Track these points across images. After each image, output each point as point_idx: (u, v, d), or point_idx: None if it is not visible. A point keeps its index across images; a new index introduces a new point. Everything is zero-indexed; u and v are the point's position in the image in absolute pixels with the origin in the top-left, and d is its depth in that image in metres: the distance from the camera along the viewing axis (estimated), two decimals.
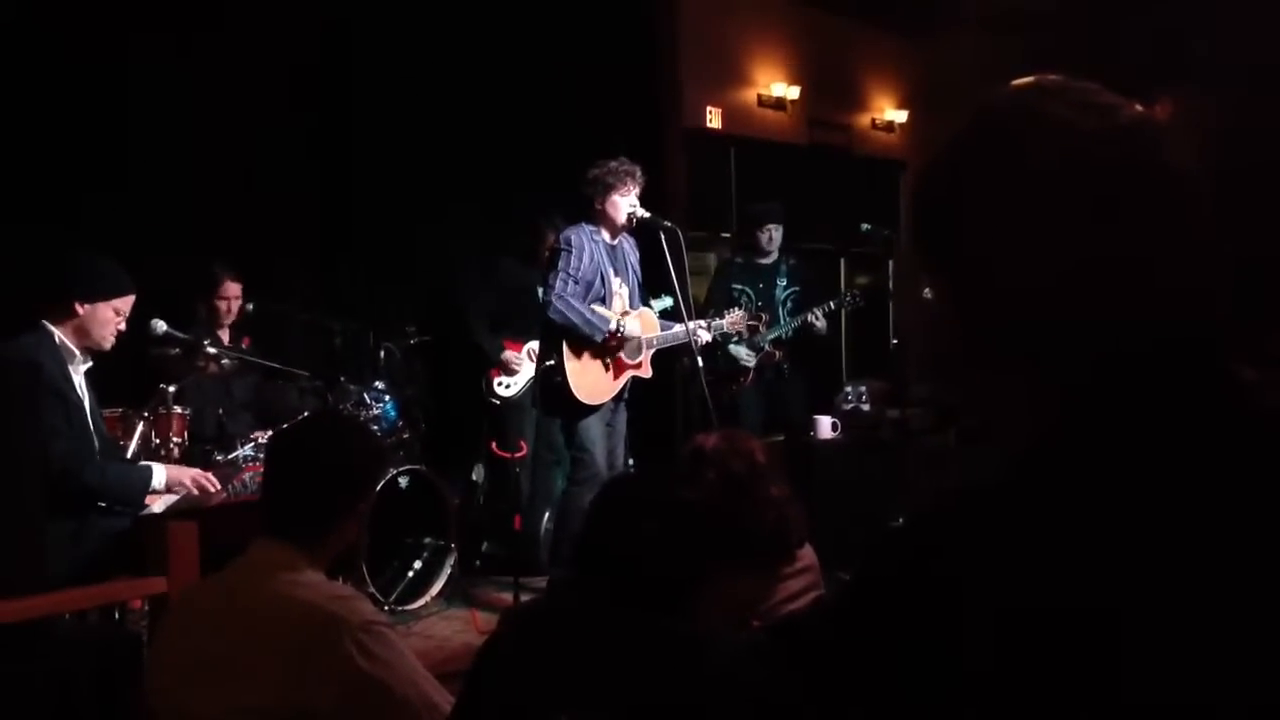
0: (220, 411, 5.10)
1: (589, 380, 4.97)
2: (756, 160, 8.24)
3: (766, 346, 6.43)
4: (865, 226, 6.24)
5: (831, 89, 8.92)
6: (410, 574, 5.31)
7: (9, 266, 4.56)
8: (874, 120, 9.42)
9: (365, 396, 5.36)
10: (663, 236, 4.93)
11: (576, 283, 4.92)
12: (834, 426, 6.05)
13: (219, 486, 4.06)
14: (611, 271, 5.05)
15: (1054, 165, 0.87)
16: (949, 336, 0.95)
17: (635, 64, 7.25)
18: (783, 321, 6.46)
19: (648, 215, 5.00)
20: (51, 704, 2.82)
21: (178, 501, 3.91)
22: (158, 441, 4.37)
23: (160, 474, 3.89)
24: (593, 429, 5.01)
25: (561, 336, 4.93)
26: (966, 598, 0.80)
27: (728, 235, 8.06)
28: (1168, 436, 0.83)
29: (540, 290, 5.97)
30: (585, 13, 6.72)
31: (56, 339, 3.77)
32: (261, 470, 3.19)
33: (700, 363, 5.01)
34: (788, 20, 8.57)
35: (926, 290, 0.96)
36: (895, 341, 7.77)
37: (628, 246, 5.19)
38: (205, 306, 5.46)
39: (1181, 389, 0.85)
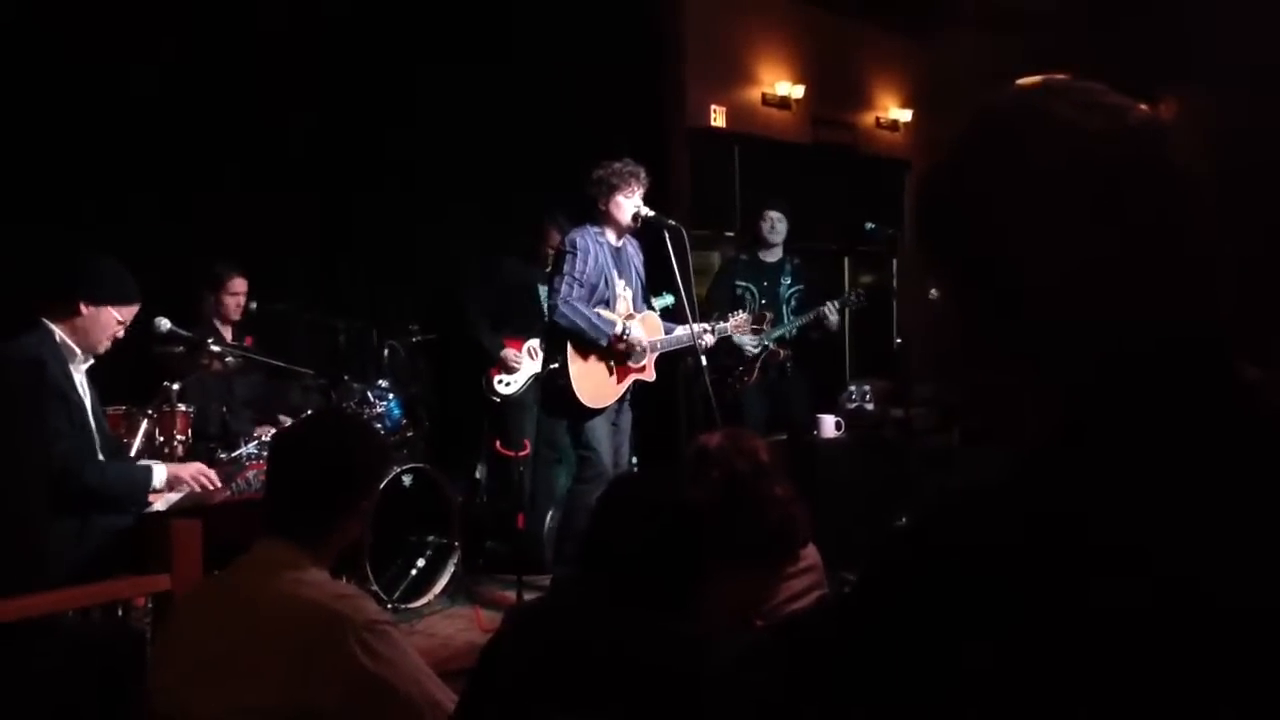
0: (224, 409, 5.11)
1: (593, 383, 4.98)
2: (761, 159, 8.23)
3: (770, 344, 6.42)
4: (869, 226, 6.24)
5: (836, 88, 8.91)
6: (413, 572, 5.31)
7: (11, 264, 4.57)
8: (878, 119, 9.41)
9: (369, 395, 5.36)
10: (667, 235, 4.93)
11: (582, 286, 4.92)
12: (838, 426, 6.05)
13: (220, 484, 4.06)
14: (616, 274, 5.05)
15: (1059, 165, 0.87)
16: (953, 336, 0.95)
17: (639, 62, 7.25)
18: (786, 320, 6.46)
19: (652, 214, 5.00)
20: (54, 702, 2.82)
21: (181, 499, 3.92)
22: (161, 439, 4.38)
23: (161, 473, 3.89)
24: (598, 429, 5.02)
25: (566, 340, 4.93)
26: (971, 598, 0.79)
27: (731, 234, 8.06)
28: (1174, 436, 0.83)
29: (542, 290, 6.00)
30: (589, 11, 6.71)
31: (57, 337, 3.77)
32: (265, 468, 3.19)
33: (704, 362, 5.01)
34: (792, 19, 8.57)
35: (931, 290, 0.95)
36: (899, 341, 7.78)
37: (631, 248, 5.19)
38: (212, 302, 5.47)
39: (1187, 389, 0.85)
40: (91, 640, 3.27)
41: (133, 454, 4.22)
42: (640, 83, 7.21)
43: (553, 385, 4.99)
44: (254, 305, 5.59)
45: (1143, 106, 0.90)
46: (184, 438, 4.46)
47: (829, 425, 6.01)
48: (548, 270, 6.03)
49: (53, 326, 3.78)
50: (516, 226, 6.36)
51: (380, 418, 5.33)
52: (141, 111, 5.43)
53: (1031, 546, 0.80)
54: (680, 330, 5.15)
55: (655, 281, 5.40)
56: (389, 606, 4.85)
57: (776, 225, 6.57)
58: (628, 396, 5.17)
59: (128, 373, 4.45)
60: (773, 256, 6.64)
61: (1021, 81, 0.94)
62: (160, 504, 3.87)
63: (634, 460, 5.51)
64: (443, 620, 5.12)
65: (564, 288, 4.90)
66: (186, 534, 3.00)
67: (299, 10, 5.95)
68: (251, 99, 5.80)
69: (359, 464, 2.26)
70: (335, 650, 1.95)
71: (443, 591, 5.28)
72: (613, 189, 4.96)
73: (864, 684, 0.86)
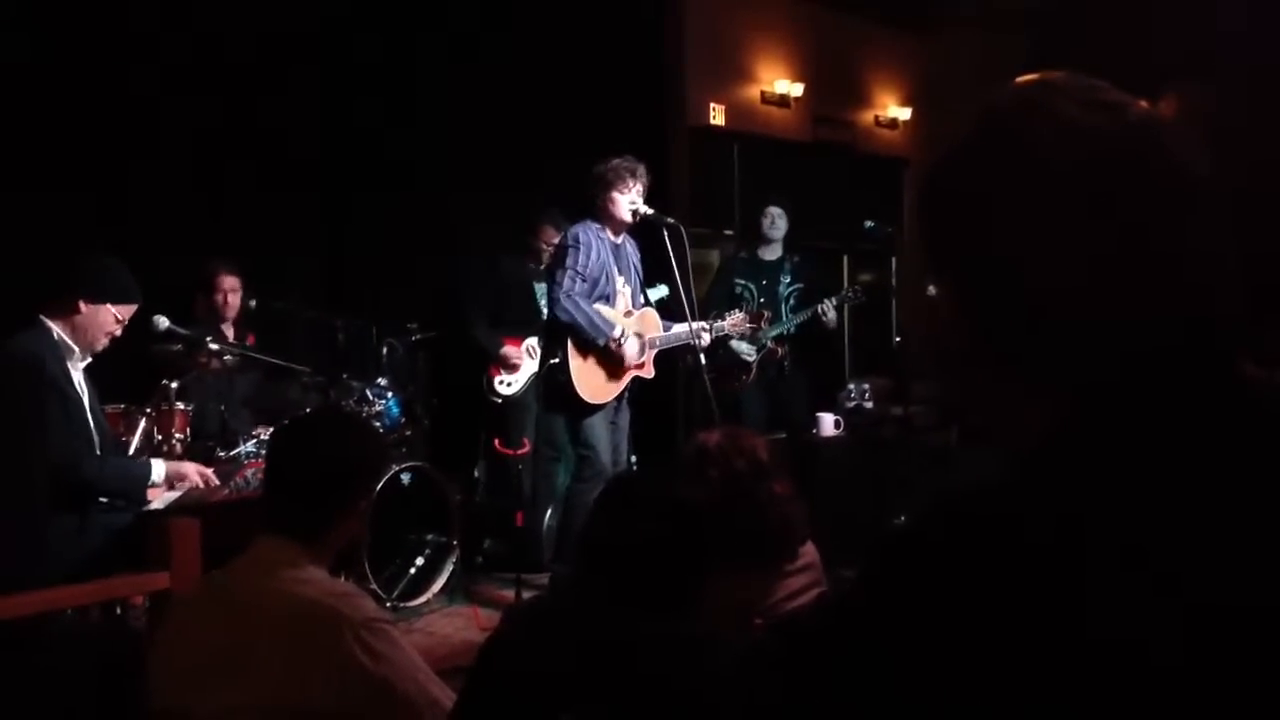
0: (222, 408, 5.11)
1: (593, 379, 4.98)
2: (760, 157, 8.23)
3: (769, 343, 6.42)
4: (868, 224, 6.24)
5: (835, 86, 8.91)
6: (412, 571, 5.30)
7: (11, 262, 4.57)
8: (877, 117, 9.41)
9: (367, 393, 5.36)
10: (665, 234, 4.93)
11: (584, 280, 4.92)
12: (837, 424, 6.05)
13: (218, 482, 4.06)
14: (616, 270, 5.05)
15: (1059, 163, 0.87)
16: (953, 334, 0.95)
17: (639, 60, 7.24)
18: (785, 318, 6.46)
19: (651, 212, 5.00)
20: (53, 700, 2.82)
21: (181, 496, 3.92)
22: (160, 437, 4.38)
23: (159, 468, 3.89)
24: (597, 427, 5.02)
25: (566, 335, 4.93)
26: (969, 598, 0.79)
27: (730, 232, 8.06)
28: (1174, 435, 0.83)
29: (538, 287, 6.00)
30: (589, 9, 6.71)
31: (56, 335, 3.77)
32: (263, 467, 3.19)
33: (703, 360, 5.02)
34: (791, 17, 8.56)
35: (930, 287, 0.95)
36: (898, 339, 7.78)
37: (630, 246, 5.19)
38: (205, 302, 5.46)
39: (1187, 388, 0.84)
40: (89, 638, 3.27)
41: (131, 452, 4.22)
42: (639, 81, 7.20)
43: (553, 380, 4.99)
44: (253, 303, 5.58)
45: (1143, 103, 0.90)
46: (182, 436, 4.47)
47: (828, 424, 6.02)
48: (543, 268, 6.04)
49: (51, 324, 3.78)
50: (515, 224, 6.35)
51: (379, 416, 5.32)
52: (141, 111, 5.42)
53: (1030, 546, 0.79)
54: (678, 328, 5.15)
55: (653, 280, 5.40)
56: (388, 605, 4.84)
57: (777, 221, 6.58)
58: (626, 395, 5.17)
59: (126, 371, 4.45)
60: (772, 254, 6.64)
61: (1021, 79, 0.94)
62: (159, 502, 3.88)
63: (633, 459, 5.51)
64: (441, 619, 5.12)
65: (566, 280, 4.90)
66: (185, 532, 3.00)
67: (299, 10, 5.94)
68: (252, 99, 5.80)
69: (358, 462, 2.26)
70: (334, 648, 1.95)
71: (441, 590, 5.27)
72: (610, 184, 4.96)
73: (863, 684, 0.86)
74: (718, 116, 8.00)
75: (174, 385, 4.44)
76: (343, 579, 3.31)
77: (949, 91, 8.47)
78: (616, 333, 4.95)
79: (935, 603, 0.81)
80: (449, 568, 5.30)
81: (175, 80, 5.54)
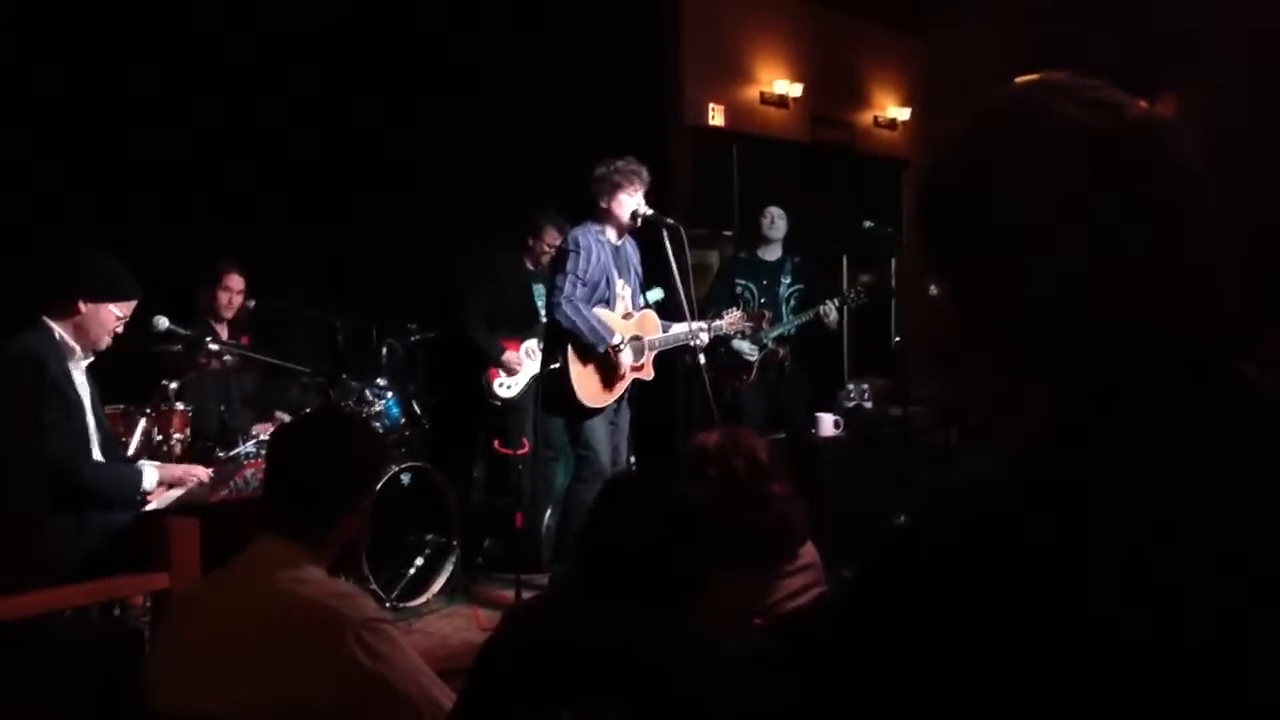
0: (222, 408, 5.11)
1: (593, 384, 4.99)
2: (759, 158, 8.24)
3: (769, 344, 6.42)
4: (868, 224, 6.25)
5: (834, 86, 8.92)
6: (412, 571, 5.30)
7: (11, 262, 4.56)
8: (876, 118, 9.42)
9: (367, 393, 5.36)
10: (665, 234, 4.93)
11: (584, 284, 4.92)
12: (836, 424, 6.05)
13: (210, 473, 4.06)
14: (615, 273, 5.05)
15: (1058, 162, 0.87)
16: (952, 333, 0.95)
17: (637, 61, 7.25)
18: (785, 319, 6.46)
19: (651, 213, 5.00)
20: (52, 701, 2.82)
21: (181, 496, 3.92)
22: (159, 438, 4.37)
23: (151, 477, 3.89)
24: (596, 428, 5.02)
25: (567, 340, 4.94)
26: (968, 597, 0.79)
27: (730, 233, 8.06)
28: (1173, 434, 0.83)
29: (536, 288, 6.01)
30: (588, 10, 6.71)
31: (56, 335, 3.77)
32: (263, 467, 3.19)
33: (702, 361, 5.02)
34: (790, 17, 8.57)
35: (931, 287, 0.95)
36: (897, 339, 7.78)
37: (630, 247, 5.19)
38: (207, 298, 5.46)
39: (1186, 387, 0.85)
40: (89, 638, 3.27)
41: (131, 453, 4.21)
42: (638, 81, 7.21)
43: (553, 384, 4.99)
44: (252, 303, 5.58)
45: (1142, 103, 0.90)
46: (182, 436, 4.46)
47: (828, 424, 6.02)
48: (538, 269, 6.05)
49: (52, 324, 3.78)
50: (515, 226, 6.36)
51: (378, 416, 5.32)
52: (141, 111, 5.42)
53: (1030, 545, 0.79)
54: (678, 329, 5.16)
55: (653, 280, 5.41)
56: (387, 605, 4.84)
57: (777, 221, 6.58)
58: (626, 395, 5.17)
59: (126, 372, 4.45)
60: (772, 255, 6.65)
61: (1021, 79, 0.94)
62: (158, 502, 3.87)
63: (632, 459, 5.51)
64: (441, 619, 5.12)
65: (566, 285, 4.90)
66: (184, 532, 3.00)
67: (299, 10, 5.94)
68: (252, 98, 5.80)
69: (357, 462, 2.26)
70: (333, 648, 1.95)
71: (441, 590, 5.27)
72: (615, 186, 4.96)
73: (862, 683, 0.86)
74: (717, 117, 8.00)
75: (173, 385, 4.44)
76: (342, 579, 3.30)
77: (948, 92, 8.49)
78: (614, 340, 4.95)
79: (935, 602, 0.81)
80: (448, 568, 5.30)
81: (175, 80, 5.54)
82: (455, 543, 5.34)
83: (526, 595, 4.81)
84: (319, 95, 6.13)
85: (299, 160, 6.02)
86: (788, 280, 6.58)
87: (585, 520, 1.92)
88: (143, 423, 4.33)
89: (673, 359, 5.61)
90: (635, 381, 5.17)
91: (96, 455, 3.83)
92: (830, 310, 6.32)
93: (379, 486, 4.45)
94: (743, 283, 6.58)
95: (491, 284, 6.14)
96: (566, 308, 4.88)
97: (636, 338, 5.11)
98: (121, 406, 4.37)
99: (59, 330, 3.78)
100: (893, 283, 8.46)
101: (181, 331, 4.63)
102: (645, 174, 5.00)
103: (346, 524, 2.22)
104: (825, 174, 8.66)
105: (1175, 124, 0.90)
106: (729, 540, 2.01)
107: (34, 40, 5.13)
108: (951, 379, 0.98)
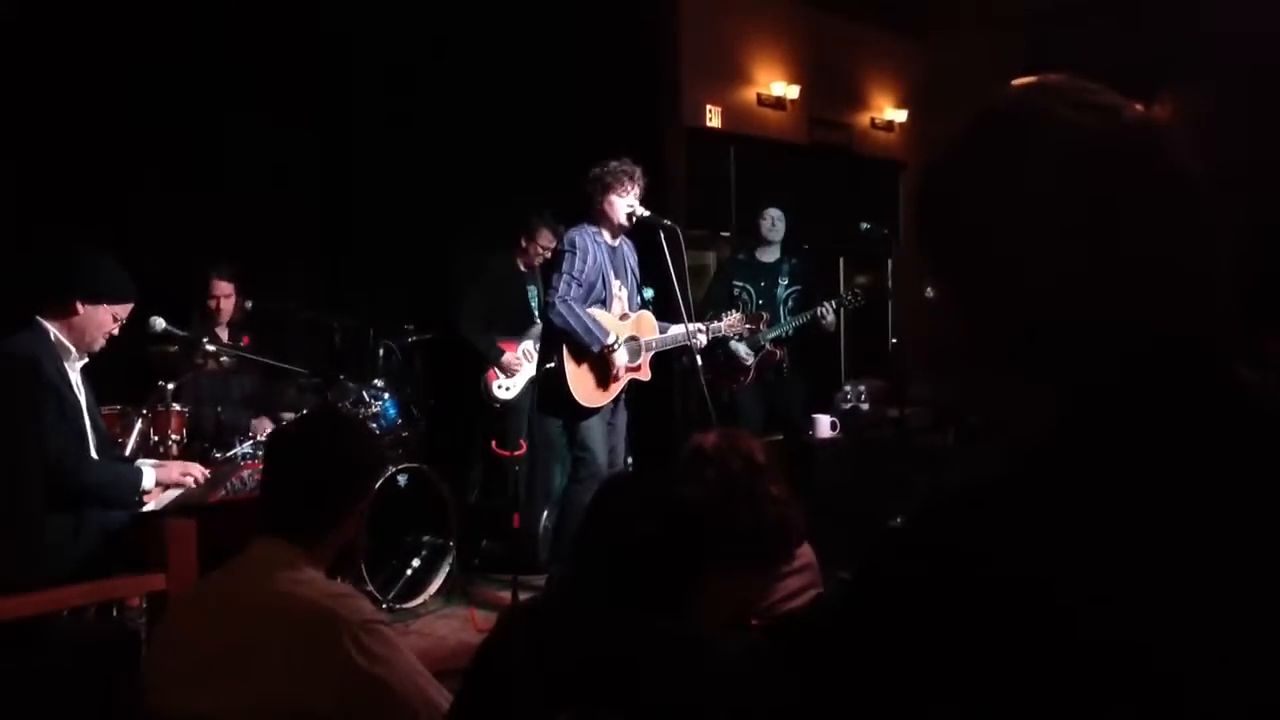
0: (219, 409, 5.11)
1: (589, 384, 4.99)
2: (756, 159, 8.25)
3: (767, 345, 6.43)
4: (864, 226, 6.25)
5: (831, 88, 8.92)
6: (409, 572, 5.31)
7: (8, 262, 4.56)
8: (873, 119, 9.42)
9: (364, 394, 5.36)
10: (662, 235, 4.94)
11: (580, 285, 4.93)
12: (833, 426, 6.06)
13: (208, 473, 4.06)
14: (612, 274, 5.06)
15: (1056, 166, 0.87)
16: (950, 336, 0.95)
17: (635, 62, 7.25)
18: (783, 321, 6.46)
19: (647, 214, 5.00)
20: (49, 702, 2.81)
21: (179, 497, 3.91)
22: (156, 439, 4.37)
23: (150, 477, 3.89)
24: (594, 429, 5.02)
25: (563, 340, 4.94)
26: (964, 599, 0.79)
27: (727, 234, 8.06)
28: (1169, 437, 0.83)
29: (531, 290, 6.01)
30: (585, 11, 6.71)
31: (52, 335, 3.76)
32: (260, 468, 3.19)
33: (700, 362, 5.02)
34: (788, 19, 8.57)
35: (928, 289, 0.95)
36: (894, 341, 7.78)
37: (627, 248, 5.20)
38: (200, 308, 5.48)
39: (1183, 390, 0.85)
40: (86, 640, 3.26)
41: (128, 454, 4.21)
42: (636, 83, 7.21)
43: (549, 384, 4.99)
44: (249, 304, 5.58)
45: (1138, 106, 0.90)
46: (179, 437, 4.46)
47: (824, 425, 6.02)
48: (531, 271, 6.06)
49: (48, 325, 3.78)
50: (512, 227, 6.36)
51: (376, 417, 5.32)
52: (141, 111, 5.42)
53: (1025, 547, 0.80)
54: (675, 330, 5.16)
55: (650, 281, 5.41)
56: (384, 606, 4.84)
57: (776, 223, 6.58)
58: (623, 396, 5.17)
59: (123, 372, 4.45)
60: (770, 256, 6.65)
61: (1018, 81, 0.94)
62: (155, 503, 3.87)
63: (629, 460, 5.51)
64: (438, 620, 5.12)
65: (562, 286, 4.91)
66: (182, 533, 3.00)
67: (299, 10, 5.94)
68: (251, 99, 5.80)
69: (355, 463, 2.26)
70: (330, 650, 1.95)
71: (438, 591, 5.27)
72: (609, 187, 4.97)
73: (859, 684, 0.86)
74: (714, 118, 8.01)
75: (170, 386, 4.44)
76: (339, 580, 3.30)
77: (944, 94, 8.48)
78: (610, 340, 4.95)
79: (931, 603, 0.81)
80: (446, 569, 5.30)
81: (175, 80, 5.54)
82: (452, 544, 5.34)
83: (523, 596, 4.81)
84: (318, 96, 6.13)
85: (299, 160, 6.02)
86: (785, 282, 6.58)
87: (582, 521, 1.92)
88: (139, 423, 4.33)
89: (670, 361, 5.61)
90: (633, 383, 5.17)
91: (93, 456, 3.83)
92: (828, 312, 6.32)
93: (376, 487, 4.45)
94: (740, 284, 6.59)
95: (486, 286, 6.14)
96: (561, 308, 4.89)
97: (633, 338, 5.11)
98: (118, 407, 4.37)
99: (54, 330, 3.78)
100: (889, 284, 8.46)
101: (178, 332, 4.63)
102: (638, 175, 5.01)
103: (344, 525, 2.22)
104: (822, 175, 8.66)
105: (1173, 126, 0.90)
106: (726, 541, 2.01)
107: (34, 40, 5.13)
108: (949, 381, 0.98)
